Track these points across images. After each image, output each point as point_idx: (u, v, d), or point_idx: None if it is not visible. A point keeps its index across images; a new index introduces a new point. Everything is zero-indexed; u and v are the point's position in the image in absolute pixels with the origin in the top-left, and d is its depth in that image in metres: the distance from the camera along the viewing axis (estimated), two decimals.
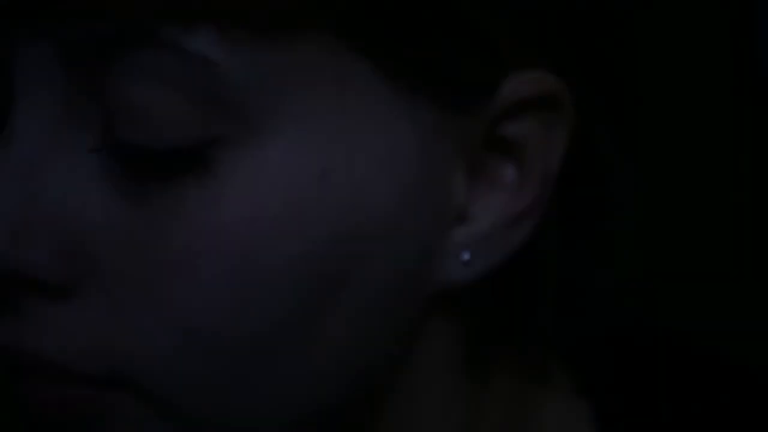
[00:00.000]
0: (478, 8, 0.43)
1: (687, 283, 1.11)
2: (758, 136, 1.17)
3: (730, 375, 0.56)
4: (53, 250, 0.43)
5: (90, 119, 0.43)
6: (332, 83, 0.42)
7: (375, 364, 0.46)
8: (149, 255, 0.42)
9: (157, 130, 0.41)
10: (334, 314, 0.43)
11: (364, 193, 0.43)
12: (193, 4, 0.40)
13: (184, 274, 0.42)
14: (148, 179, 0.42)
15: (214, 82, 0.41)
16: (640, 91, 0.50)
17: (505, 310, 0.48)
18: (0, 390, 0.47)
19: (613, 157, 0.48)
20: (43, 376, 0.44)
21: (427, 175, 0.44)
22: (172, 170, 0.42)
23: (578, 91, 0.45)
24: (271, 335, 0.43)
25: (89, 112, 0.42)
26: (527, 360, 0.51)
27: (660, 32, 0.96)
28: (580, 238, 0.49)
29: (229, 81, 0.41)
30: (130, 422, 0.44)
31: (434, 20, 0.43)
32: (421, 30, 0.42)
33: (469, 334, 0.48)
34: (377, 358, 0.46)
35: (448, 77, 0.43)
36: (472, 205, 0.46)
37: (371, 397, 0.48)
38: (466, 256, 0.46)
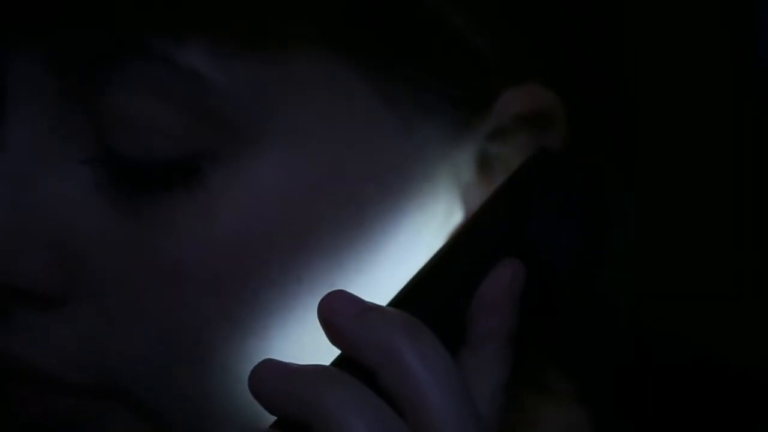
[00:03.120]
0: (470, 25, 0.43)
1: (684, 283, 1.11)
2: (758, 136, 1.17)
3: (731, 382, 0.56)
4: (44, 261, 0.43)
5: (82, 130, 0.43)
6: (324, 97, 0.42)
7: None
8: (139, 266, 0.42)
9: (147, 141, 0.41)
10: None
11: (355, 204, 0.43)
12: (184, 16, 0.40)
13: (173, 286, 0.42)
14: (139, 190, 0.42)
15: (203, 95, 0.41)
16: (639, 94, 0.50)
17: None
18: None
19: (613, 168, 0.48)
20: (33, 384, 0.44)
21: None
22: (163, 182, 0.42)
23: (574, 103, 0.45)
24: (261, 346, 0.43)
25: (81, 123, 0.42)
26: (526, 367, 0.51)
27: (660, 32, 0.96)
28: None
29: (219, 94, 0.41)
30: (120, 431, 0.44)
31: (426, 36, 0.43)
32: (413, 45, 0.42)
33: None
34: None
35: (440, 92, 0.43)
36: None
37: None
38: None
